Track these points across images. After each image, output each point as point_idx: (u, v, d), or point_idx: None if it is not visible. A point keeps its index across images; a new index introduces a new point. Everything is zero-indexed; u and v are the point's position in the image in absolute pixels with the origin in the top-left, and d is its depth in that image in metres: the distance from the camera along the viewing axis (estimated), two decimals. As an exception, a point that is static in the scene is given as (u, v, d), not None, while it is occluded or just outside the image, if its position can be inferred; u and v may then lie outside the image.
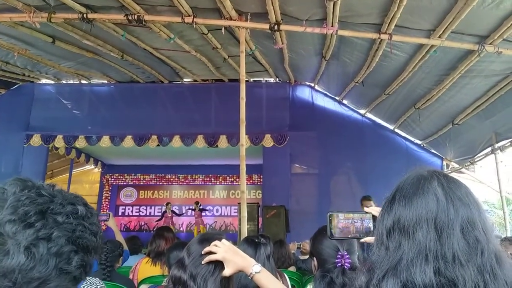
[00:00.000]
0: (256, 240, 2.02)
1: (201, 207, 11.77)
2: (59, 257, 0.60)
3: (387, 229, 0.89)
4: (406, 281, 0.82)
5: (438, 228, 0.83)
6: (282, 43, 5.79)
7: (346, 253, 1.58)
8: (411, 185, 0.90)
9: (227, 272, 1.41)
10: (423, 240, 0.83)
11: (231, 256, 1.43)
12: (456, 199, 0.85)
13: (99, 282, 2.09)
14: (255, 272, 1.39)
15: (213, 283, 1.39)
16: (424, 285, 0.81)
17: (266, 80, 8.57)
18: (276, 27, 5.09)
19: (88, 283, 1.99)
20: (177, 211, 11.87)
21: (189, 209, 12.07)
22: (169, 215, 11.53)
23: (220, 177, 12.58)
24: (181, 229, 12.04)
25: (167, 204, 11.77)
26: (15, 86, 8.68)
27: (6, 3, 5.05)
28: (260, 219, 7.86)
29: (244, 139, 4.73)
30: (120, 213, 12.40)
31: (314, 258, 1.72)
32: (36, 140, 8.12)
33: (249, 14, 5.13)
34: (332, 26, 4.92)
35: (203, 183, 12.70)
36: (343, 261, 1.55)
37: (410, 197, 0.87)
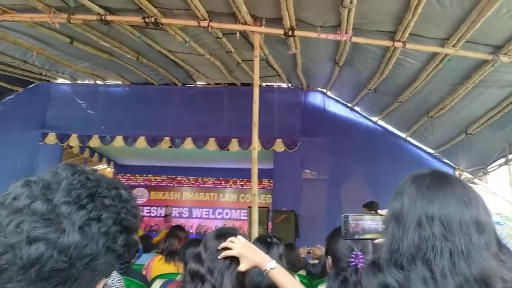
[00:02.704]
0: (269, 239, 2.06)
1: (168, 212, 11.82)
2: (107, 236, 0.66)
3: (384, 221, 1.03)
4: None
5: (400, 223, 0.92)
6: (296, 49, 5.84)
7: (360, 253, 1.61)
8: (397, 186, 1.01)
9: (242, 267, 1.45)
10: (391, 233, 0.93)
11: (247, 252, 1.47)
12: (424, 198, 0.92)
13: (117, 275, 2.15)
14: (270, 268, 1.43)
15: (229, 277, 1.43)
16: (384, 274, 0.90)
17: (278, 85, 8.62)
18: (290, 32, 5.14)
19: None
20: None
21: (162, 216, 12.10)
22: None
23: (231, 181, 12.62)
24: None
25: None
26: (32, 85, 8.85)
27: (27, 3, 5.18)
28: (270, 223, 7.88)
29: (256, 142, 4.77)
30: (130, 213, 12.51)
31: (329, 257, 1.75)
32: (51, 138, 8.26)
33: (264, 19, 5.19)
34: (346, 33, 4.96)
35: (213, 186, 12.75)
36: (357, 260, 1.58)
37: (392, 196, 1.00)
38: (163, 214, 12.08)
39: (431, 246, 0.86)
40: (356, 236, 1.35)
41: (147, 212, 12.70)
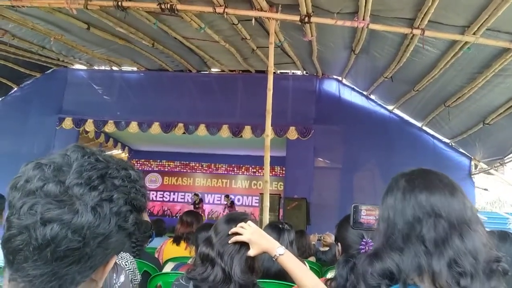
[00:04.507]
0: (280, 225, 2.08)
1: (231, 200, 11.99)
2: (119, 216, 0.68)
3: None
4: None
5: (395, 212, 1.01)
6: (312, 36, 5.77)
7: (370, 240, 1.60)
8: (387, 184, 1.11)
9: (251, 253, 1.47)
10: (386, 221, 1.02)
11: (257, 238, 1.49)
12: (415, 188, 1.02)
13: (129, 257, 2.20)
14: (279, 255, 1.45)
15: (239, 261, 1.46)
16: (382, 259, 0.98)
17: (293, 73, 8.56)
18: (306, 19, 5.07)
19: (119, 257, 2.10)
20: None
21: (224, 204, 12.26)
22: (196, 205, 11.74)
23: (243, 168, 12.71)
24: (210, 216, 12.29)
25: (195, 194, 12.04)
26: (50, 70, 9.00)
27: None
28: (281, 210, 7.92)
29: (269, 129, 4.77)
30: (144, 198, 12.74)
31: (339, 244, 1.75)
32: (68, 123, 8.41)
33: (280, 5, 5.13)
34: (363, 19, 4.87)
35: (226, 172, 12.87)
36: (367, 248, 1.58)
37: (384, 193, 1.09)
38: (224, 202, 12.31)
39: (425, 223, 0.96)
40: (365, 227, 1.38)
41: (160, 197, 12.89)
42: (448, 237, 0.93)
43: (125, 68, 9.02)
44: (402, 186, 1.04)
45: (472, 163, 7.77)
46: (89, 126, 8.44)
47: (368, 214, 1.41)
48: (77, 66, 9.02)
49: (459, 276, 0.90)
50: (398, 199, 1.02)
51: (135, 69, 8.94)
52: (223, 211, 11.97)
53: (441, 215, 0.96)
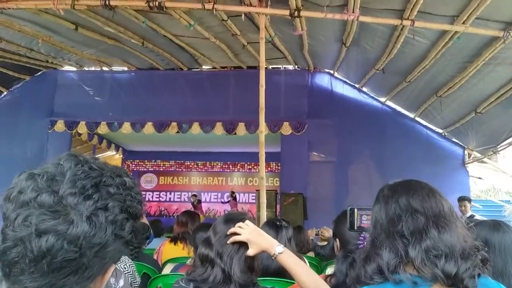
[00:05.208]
0: (278, 223, 2.08)
1: (234, 195, 11.97)
2: (115, 224, 0.67)
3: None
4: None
5: (382, 217, 1.14)
6: (302, 30, 5.75)
7: (368, 235, 1.61)
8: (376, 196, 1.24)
9: (250, 252, 1.47)
10: (374, 225, 1.16)
11: (255, 238, 1.49)
12: (396, 194, 1.14)
13: (128, 260, 2.19)
14: (278, 253, 1.45)
15: (238, 261, 1.46)
16: (374, 259, 1.08)
17: (284, 68, 8.54)
18: (296, 13, 5.05)
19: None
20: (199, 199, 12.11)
21: (225, 201, 12.21)
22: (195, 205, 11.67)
23: (238, 165, 12.71)
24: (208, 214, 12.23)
25: (193, 195, 11.96)
26: (39, 73, 8.89)
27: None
28: (278, 206, 7.93)
29: (263, 126, 4.76)
30: (140, 199, 12.68)
31: (337, 239, 1.76)
32: (60, 126, 8.32)
33: (269, 0, 5.11)
34: (353, 12, 4.86)
35: (221, 170, 12.86)
36: (365, 243, 1.58)
37: (373, 203, 1.22)
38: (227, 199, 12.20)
39: (404, 218, 1.07)
40: (361, 228, 1.47)
41: (156, 197, 12.85)
42: (425, 228, 1.04)
43: (116, 68, 8.94)
44: (386, 194, 1.17)
45: (466, 152, 7.83)
46: (82, 128, 8.36)
47: (365, 216, 1.50)
48: (67, 68, 8.92)
49: (435, 258, 0.99)
50: (382, 205, 1.15)
51: (125, 68, 8.87)
52: (227, 201, 11.93)
53: (419, 210, 1.07)
